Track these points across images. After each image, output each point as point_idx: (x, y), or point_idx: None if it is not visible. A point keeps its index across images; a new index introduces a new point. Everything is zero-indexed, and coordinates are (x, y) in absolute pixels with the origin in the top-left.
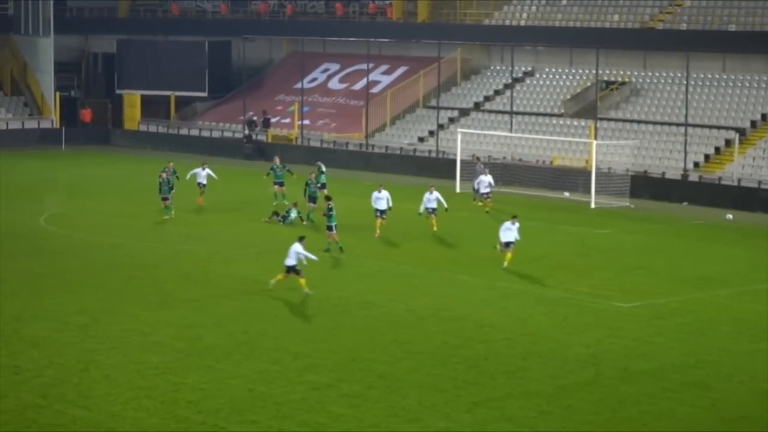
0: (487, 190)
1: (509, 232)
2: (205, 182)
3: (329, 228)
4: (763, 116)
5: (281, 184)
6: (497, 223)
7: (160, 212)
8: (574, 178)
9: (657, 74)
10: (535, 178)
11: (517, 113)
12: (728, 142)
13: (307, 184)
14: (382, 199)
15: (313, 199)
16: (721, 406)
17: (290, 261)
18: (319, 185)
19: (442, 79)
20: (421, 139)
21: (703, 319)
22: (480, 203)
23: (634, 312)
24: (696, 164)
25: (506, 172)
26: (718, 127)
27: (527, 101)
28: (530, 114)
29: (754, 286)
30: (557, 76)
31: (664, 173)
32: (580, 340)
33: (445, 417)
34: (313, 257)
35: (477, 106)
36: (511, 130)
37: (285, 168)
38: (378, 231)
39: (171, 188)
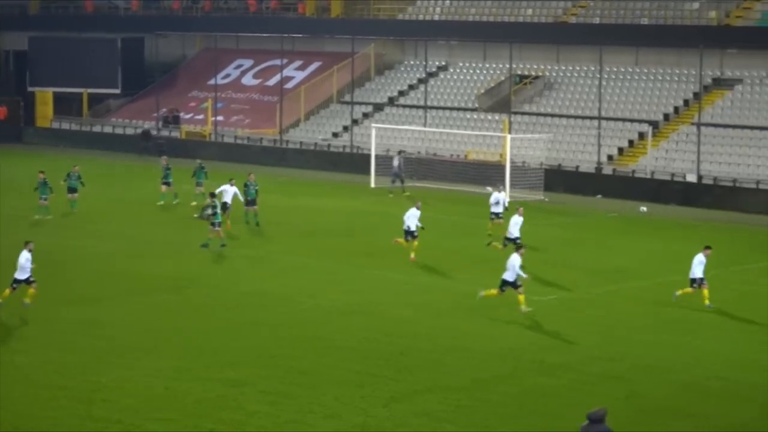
0: (500, 209)
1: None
2: (230, 202)
3: (214, 224)
4: (676, 109)
5: (168, 184)
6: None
7: (68, 208)
8: (489, 172)
9: (570, 68)
10: (450, 172)
11: (431, 108)
12: (641, 135)
13: (246, 186)
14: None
15: (251, 201)
16: (639, 397)
17: (509, 276)
18: (198, 183)
19: (356, 74)
20: (335, 135)
21: (620, 311)
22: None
23: (551, 305)
24: (610, 157)
25: (421, 166)
26: (632, 120)
27: (441, 96)
28: (444, 108)
29: (669, 277)
30: (471, 71)
31: (578, 166)
32: (497, 333)
33: (362, 412)
34: (524, 275)
35: (391, 101)
36: (425, 125)
37: (203, 169)
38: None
39: (51, 190)
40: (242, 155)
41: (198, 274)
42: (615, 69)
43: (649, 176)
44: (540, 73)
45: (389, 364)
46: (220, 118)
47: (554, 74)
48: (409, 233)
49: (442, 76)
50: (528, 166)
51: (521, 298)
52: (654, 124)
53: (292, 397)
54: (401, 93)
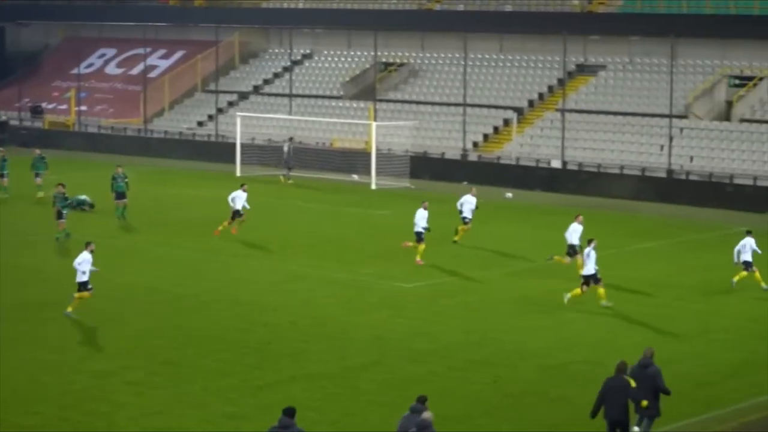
0: (470, 215)
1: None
2: (240, 209)
3: (61, 216)
4: (540, 95)
5: (3, 176)
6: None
7: None
8: (355, 160)
9: (435, 55)
10: (316, 160)
11: (297, 96)
12: (506, 122)
13: (113, 179)
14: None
15: (121, 195)
16: (505, 382)
17: (588, 270)
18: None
19: (220, 63)
20: (200, 124)
21: (486, 297)
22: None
23: (418, 292)
24: (475, 144)
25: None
26: (497, 107)
27: (306, 84)
28: (309, 96)
29: (535, 263)
30: (336, 59)
31: (443, 153)
32: (364, 321)
33: (230, 402)
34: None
35: (256, 90)
36: (290, 113)
37: (43, 160)
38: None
39: None
40: (106, 145)
41: (61, 266)
42: (480, 56)
43: (514, 162)
44: (405, 61)
45: (256, 353)
46: (83, 107)
47: (419, 61)
48: (418, 235)
49: (307, 64)
50: (394, 153)
51: (602, 291)
52: (519, 111)
53: (159, 387)
54: (266, 81)
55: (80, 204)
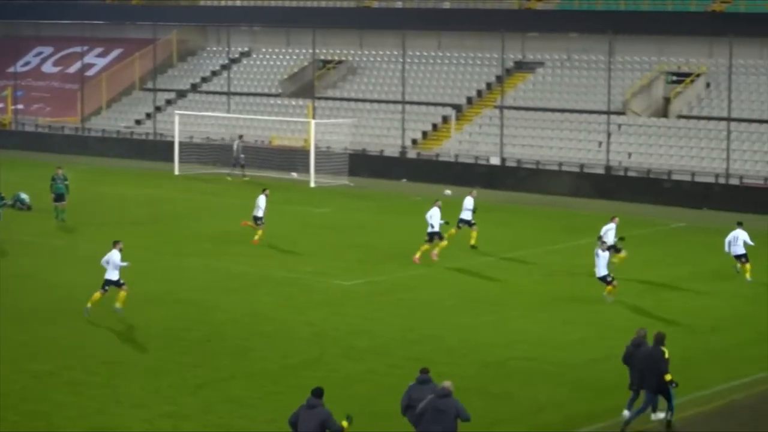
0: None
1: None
2: (261, 214)
3: None
4: (479, 92)
5: None
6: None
7: None
8: (294, 158)
9: (374, 53)
10: (255, 158)
11: (235, 94)
12: (445, 119)
13: (53, 180)
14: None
15: (60, 197)
16: (444, 379)
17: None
18: None
19: (158, 61)
20: (138, 122)
21: (425, 293)
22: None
23: (357, 289)
24: (414, 141)
25: (224, 152)
26: (435, 104)
27: (245, 82)
28: (248, 95)
29: (474, 259)
30: (274, 56)
31: (382, 151)
32: (304, 319)
33: (169, 401)
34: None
35: (194, 88)
36: (228, 111)
37: None
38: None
39: None
40: (44, 144)
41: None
42: (418, 53)
43: (453, 160)
44: (343, 58)
45: (195, 351)
46: (20, 106)
47: (358, 59)
48: (434, 234)
49: (245, 62)
50: (333, 151)
51: (609, 289)
52: (457, 108)
53: (98, 387)
54: (204, 79)
55: (19, 201)
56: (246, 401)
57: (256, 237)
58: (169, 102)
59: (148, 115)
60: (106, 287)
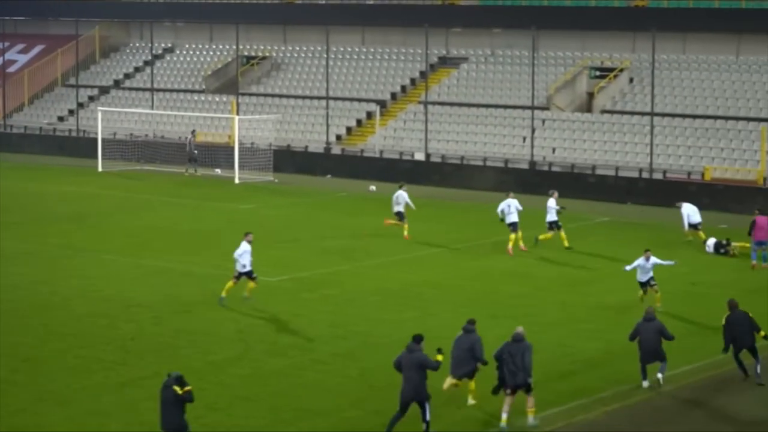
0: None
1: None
2: (402, 210)
3: None
4: (403, 88)
5: None
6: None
7: None
8: (218, 154)
9: (297, 48)
10: (179, 155)
11: (158, 90)
12: (369, 115)
13: None
14: (512, 213)
15: None
16: (370, 374)
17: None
18: None
19: (80, 57)
20: (61, 119)
21: (350, 290)
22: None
23: (282, 286)
24: (338, 137)
25: (148, 149)
26: (360, 100)
27: (168, 78)
28: (171, 91)
29: (399, 255)
30: (197, 52)
31: (307, 147)
32: (228, 315)
33: (93, 399)
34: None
35: (117, 84)
36: (152, 108)
37: None
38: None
39: None
40: None
41: None
42: (342, 49)
43: (377, 155)
44: (267, 54)
45: (119, 349)
46: None
47: (281, 55)
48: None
49: (168, 58)
50: (257, 147)
51: (648, 295)
52: (382, 104)
53: (21, 385)
54: (127, 75)
55: None
56: None
57: (406, 232)
58: (92, 98)
59: (71, 112)
60: (254, 275)
